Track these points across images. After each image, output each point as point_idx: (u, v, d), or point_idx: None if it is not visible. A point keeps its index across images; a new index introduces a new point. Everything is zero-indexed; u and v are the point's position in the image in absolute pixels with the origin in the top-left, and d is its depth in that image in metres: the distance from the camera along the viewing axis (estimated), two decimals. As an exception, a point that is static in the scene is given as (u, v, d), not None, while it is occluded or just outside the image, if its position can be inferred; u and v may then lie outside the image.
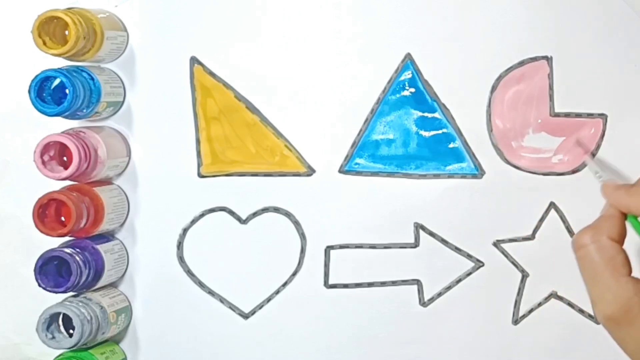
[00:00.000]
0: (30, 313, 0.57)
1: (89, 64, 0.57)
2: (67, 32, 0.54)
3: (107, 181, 0.59)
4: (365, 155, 0.59)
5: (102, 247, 0.57)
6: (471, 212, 0.59)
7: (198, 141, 0.59)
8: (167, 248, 0.60)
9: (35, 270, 0.55)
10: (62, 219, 0.55)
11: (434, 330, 0.60)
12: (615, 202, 0.49)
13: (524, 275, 0.59)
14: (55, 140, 0.54)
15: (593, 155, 0.58)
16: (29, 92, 0.53)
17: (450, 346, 0.60)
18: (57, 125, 0.58)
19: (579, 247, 0.47)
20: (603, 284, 0.45)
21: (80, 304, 0.56)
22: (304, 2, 0.58)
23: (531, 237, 0.59)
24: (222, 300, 0.61)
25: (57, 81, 0.54)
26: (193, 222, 0.60)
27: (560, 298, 0.59)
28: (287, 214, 0.60)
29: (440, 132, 0.58)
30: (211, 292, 0.61)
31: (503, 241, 0.59)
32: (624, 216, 0.48)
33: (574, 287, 0.59)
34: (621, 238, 0.47)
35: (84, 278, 0.55)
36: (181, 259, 0.60)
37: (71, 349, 0.57)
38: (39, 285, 0.55)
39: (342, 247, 0.60)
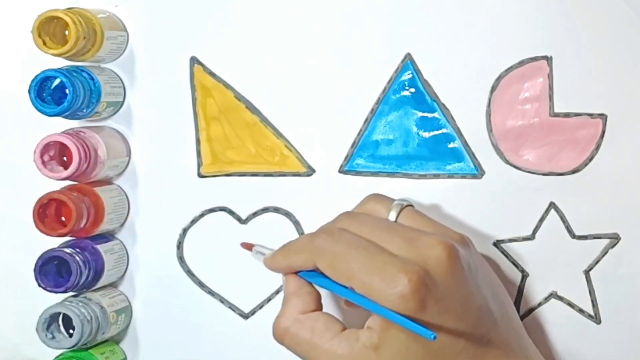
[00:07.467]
0: (30, 313, 0.56)
1: (89, 64, 0.57)
2: (67, 32, 0.54)
3: (107, 181, 0.59)
4: (365, 155, 0.59)
5: (102, 247, 0.57)
6: (471, 212, 0.59)
7: (198, 141, 0.59)
8: (167, 248, 0.60)
9: (35, 270, 0.55)
10: (62, 219, 0.55)
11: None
12: (278, 268, 0.51)
13: (524, 275, 0.59)
14: (55, 140, 0.54)
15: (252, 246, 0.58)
16: (29, 92, 0.53)
17: (450, 346, 0.60)
18: (57, 125, 0.58)
19: (283, 336, 0.48)
20: (326, 354, 0.46)
21: (80, 304, 0.56)
22: (304, 2, 0.58)
23: (531, 237, 0.59)
24: (222, 300, 0.61)
25: (57, 81, 0.54)
26: (193, 222, 0.60)
27: (560, 298, 0.59)
28: (287, 214, 0.60)
29: (440, 132, 0.58)
30: (211, 292, 0.60)
31: (503, 241, 0.59)
32: (299, 278, 0.50)
33: (574, 287, 0.59)
34: (314, 303, 0.49)
35: (84, 278, 0.55)
36: (181, 259, 0.60)
37: (71, 349, 0.57)
38: (39, 285, 0.55)
39: (342, 247, 0.60)
